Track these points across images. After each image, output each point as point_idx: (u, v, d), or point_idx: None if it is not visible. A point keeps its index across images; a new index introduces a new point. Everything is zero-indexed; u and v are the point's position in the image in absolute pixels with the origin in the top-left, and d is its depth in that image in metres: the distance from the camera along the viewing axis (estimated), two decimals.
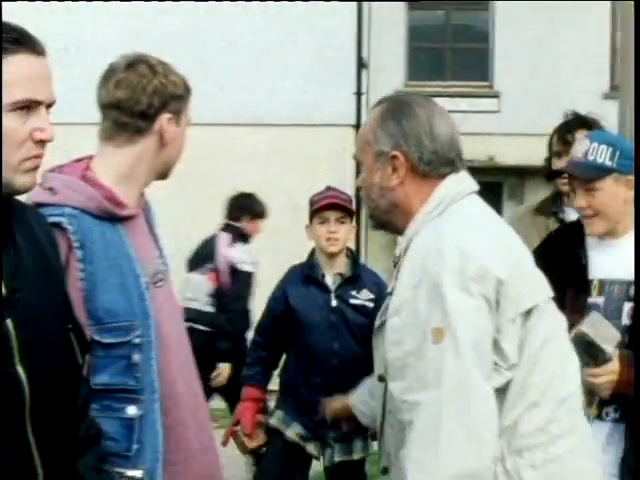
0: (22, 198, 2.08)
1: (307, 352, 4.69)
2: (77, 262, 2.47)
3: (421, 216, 2.42)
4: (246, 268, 7.53)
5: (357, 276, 4.71)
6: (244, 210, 7.74)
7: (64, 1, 12.74)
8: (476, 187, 2.55)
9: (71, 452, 2.09)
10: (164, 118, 2.62)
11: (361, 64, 14.27)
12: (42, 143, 1.86)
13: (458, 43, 16.56)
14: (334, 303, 4.64)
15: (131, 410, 2.53)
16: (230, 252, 7.50)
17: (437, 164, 2.44)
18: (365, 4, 14.32)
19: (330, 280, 4.69)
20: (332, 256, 4.66)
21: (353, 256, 4.80)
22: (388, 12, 15.77)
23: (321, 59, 13.73)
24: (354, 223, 4.79)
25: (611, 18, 14.81)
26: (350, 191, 5.47)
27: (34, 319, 1.96)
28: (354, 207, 4.84)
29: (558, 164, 3.89)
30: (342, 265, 4.71)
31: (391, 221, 2.52)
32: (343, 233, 4.62)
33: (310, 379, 4.69)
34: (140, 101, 2.59)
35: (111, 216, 2.55)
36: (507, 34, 15.84)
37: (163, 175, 2.73)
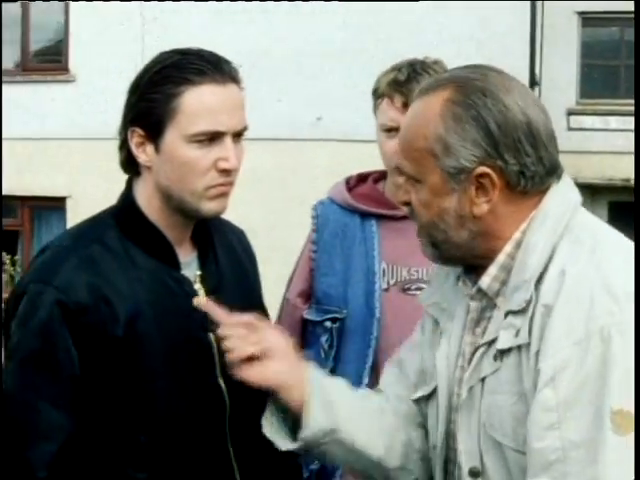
0: None
1: None
2: (310, 243, 2.73)
3: (540, 243, 1.68)
4: None
5: None
6: None
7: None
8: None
9: (265, 461, 2.10)
10: None
11: (533, 81, 14.10)
12: (227, 172, 1.92)
13: (633, 59, 16.18)
14: None
15: None
16: None
17: (542, 175, 1.70)
18: (538, 20, 14.16)
19: None
20: None
21: None
22: (561, 28, 15.56)
23: None
24: None
25: None
26: None
27: None
28: None
29: None
30: None
31: (467, 255, 1.76)
32: None
33: None
34: None
35: (358, 210, 2.68)
36: None
37: None
